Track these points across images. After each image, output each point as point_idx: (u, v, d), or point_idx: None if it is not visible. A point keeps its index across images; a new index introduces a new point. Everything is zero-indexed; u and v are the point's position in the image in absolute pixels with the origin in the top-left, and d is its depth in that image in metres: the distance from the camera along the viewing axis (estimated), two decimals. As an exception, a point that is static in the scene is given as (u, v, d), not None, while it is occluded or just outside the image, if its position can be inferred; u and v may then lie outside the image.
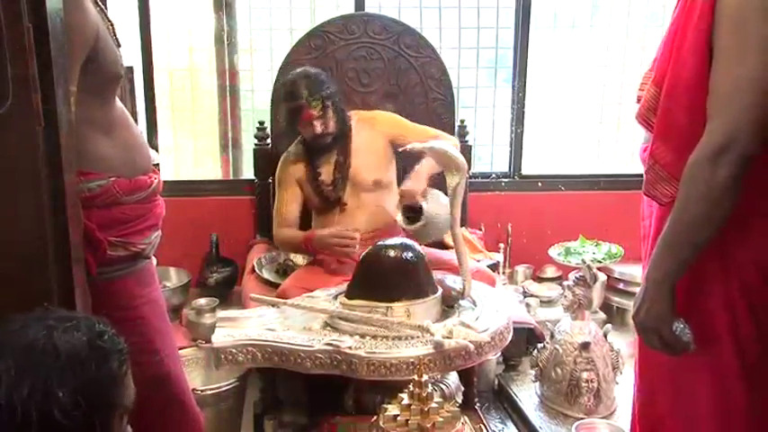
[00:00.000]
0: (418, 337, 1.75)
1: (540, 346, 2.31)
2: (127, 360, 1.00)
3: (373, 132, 2.50)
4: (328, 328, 1.85)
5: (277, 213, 2.51)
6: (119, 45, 1.40)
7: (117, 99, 1.43)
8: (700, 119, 1.14)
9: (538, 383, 2.32)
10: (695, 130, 1.14)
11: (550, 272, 3.23)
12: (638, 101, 1.34)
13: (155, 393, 1.48)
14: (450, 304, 1.97)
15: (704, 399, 1.27)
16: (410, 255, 1.89)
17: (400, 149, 2.42)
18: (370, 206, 2.46)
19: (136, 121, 2.76)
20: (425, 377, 1.47)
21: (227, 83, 3.23)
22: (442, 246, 2.76)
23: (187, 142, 3.36)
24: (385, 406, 1.54)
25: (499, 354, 2.19)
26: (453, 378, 2.08)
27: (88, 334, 0.95)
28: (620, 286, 3.18)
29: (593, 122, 3.50)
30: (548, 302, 3.00)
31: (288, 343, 1.75)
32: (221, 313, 1.96)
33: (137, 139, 1.47)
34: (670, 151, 1.22)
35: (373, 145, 2.48)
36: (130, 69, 2.77)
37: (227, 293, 2.92)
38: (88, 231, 1.27)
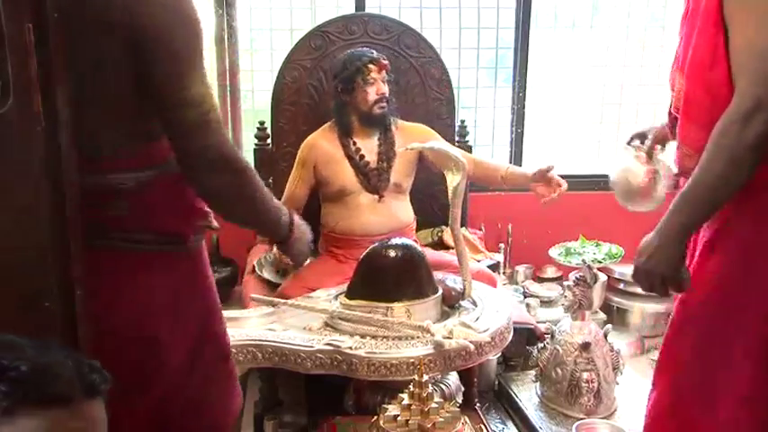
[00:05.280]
0: (418, 337, 1.75)
1: (540, 346, 2.31)
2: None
3: (408, 141, 2.46)
4: (328, 328, 1.85)
5: (286, 189, 2.53)
6: None
7: None
8: (719, 95, 1.22)
9: (538, 383, 2.32)
10: (715, 106, 1.21)
11: (551, 272, 3.23)
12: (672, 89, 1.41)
13: (215, 350, 1.48)
14: (450, 304, 1.98)
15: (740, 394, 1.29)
16: (410, 255, 1.89)
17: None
18: (386, 208, 2.47)
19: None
20: (426, 377, 1.48)
21: (228, 83, 3.23)
22: (443, 246, 2.76)
23: (187, 142, 3.36)
24: (385, 406, 1.54)
25: (499, 354, 2.19)
26: (453, 378, 2.08)
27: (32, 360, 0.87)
28: (621, 287, 3.19)
29: (593, 123, 3.50)
30: (548, 302, 3.01)
31: (288, 343, 1.75)
32: (221, 313, 1.96)
33: None
34: (693, 129, 1.31)
35: (401, 154, 2.47)
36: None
37: (228, 293, 2.91)
38: (190, 201, 1.32)
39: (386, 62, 2.42)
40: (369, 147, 2.47)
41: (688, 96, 1.32)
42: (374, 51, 2.45)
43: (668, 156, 1.82)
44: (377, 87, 2.39)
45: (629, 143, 1.88)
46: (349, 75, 2.39)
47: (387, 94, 2.41)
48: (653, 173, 1.78)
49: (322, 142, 2.50)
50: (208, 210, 1.42)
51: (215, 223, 1.49)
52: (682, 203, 1.25)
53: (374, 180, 2.45)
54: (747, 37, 1.17)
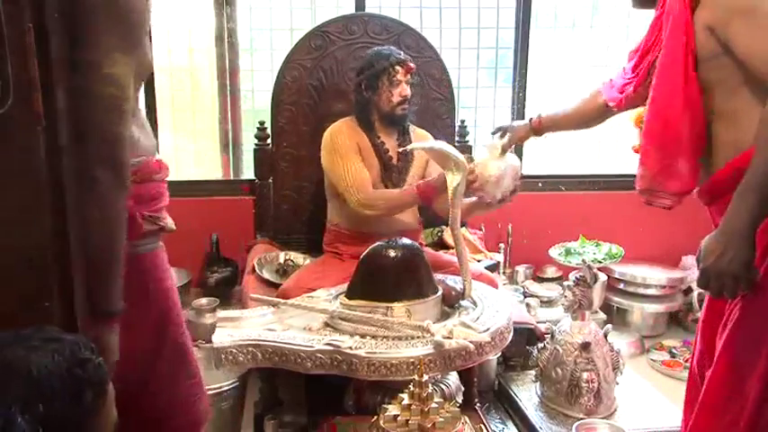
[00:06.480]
0: (418, 337, 1.75)
1: (540, 346, 2.31)
2: (105, 391, 0.96)
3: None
4: (328, 328, 1.85)
5: (355, 179, 2.31)
6: None
7: None
8: (692, 111, 1.37)
9: (538, 383, 2.32)
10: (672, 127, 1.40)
11: (551, 272, 3.23)
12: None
13: (181, 365, 1.50)
14: (450, 304, 1.98)
15: None
16: (410, 255, 1.89)
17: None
18: None
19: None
20: (426, 377, 1.48)
21: (228, 82, 3.23)
22: (443, 246, 2.76)
23: (187, 142, 3.36)
24: (385, 406, 1.54)
25: (499, 354, 2.19)
26: (453, 378, 2.08)
27: (69, 361, 0.90)
28: (621, 286, 3.19)
29: (593, 122, 3.50)
30: (548, 302, 3.01)
31: (288, 343, 1.75)
32: (222, 313, 1.96)
33: (147, 123, 1.52)
34: (653, 152, 1.48)
35: (417, 155, 2.49)
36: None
37: (228, 293, 2.91)
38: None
39: (413, 65, 2.40)
40: (390, 143, 2.46)
41: (651, 123, 1.45)
42: (402, 52, 2.43)
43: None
44: (401, 89, 2.37)
45: (493, 133, 2.20)
46: (374, 73, 2.37)
47: (409, 96, 2.40)
48: (503, 168, 2.10)
49: (350, 131, 2.44)
50: (156, 215, 1.43)
51: (170, 225, 1.50)
52: (746, 194, 1.23)
53: (395, 176, 2.45)
54: (761, 40, 1.24)
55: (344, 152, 2.37)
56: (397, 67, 2.36)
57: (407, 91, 2.38)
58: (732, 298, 1.30)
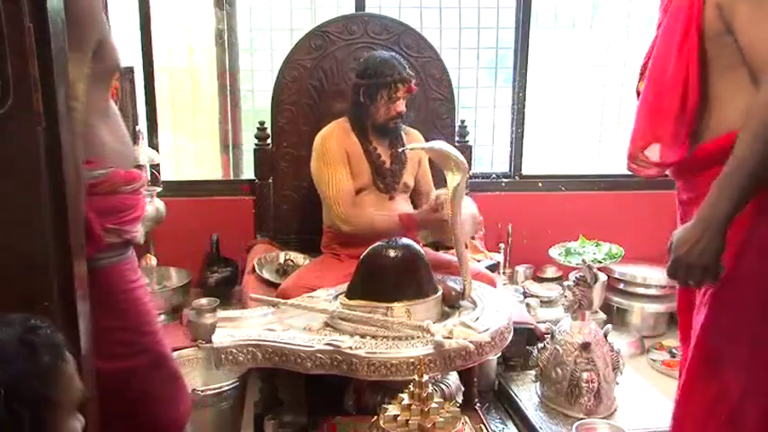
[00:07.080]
0: (418, 337, 1.75)
1: (540, 346, 2.31)
2: (62, 355, 0.99)
3: (410, 143, 2.53)
4: (328, 328, 1.85)
5: (338, 192, 2.37)
6: None
7: None
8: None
9: (538, 383, 2.32)
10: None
11: (551, 272, 3.23)
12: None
13: (157, 371, 1.51)
14: (450, 305, 1.98)
15: None
16: (410, 255, 1.89)
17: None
18: (394, 208, 2.46)
19: (136, 121, 2.77)
20: (426, 377, 1.48)
21: (228, 82, 3.23)
22: (443, 246, 2.76)
23: (187, 142, 3.36)
24: (385, 406, 1.54)
25: (499, 354, 2.19)
26: (453, 378, 2.08)
27: (19, 329, 0.96)
28: (621, 286, 3.19)
29: (593, 122, 3.50)
30: (548, 302, 3.01)
31: (288, 343, 1.75)
32: (222, 313, 1.96)
33: (125, 131, 1.51)
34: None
35: (410, 155, 2.52)
36: (130, 69, 2.77)
37: (228, 293, 2.91)
38: (85, 219, 1.29)
39: (415, 87, 2.42)
40: (382, 148, 2.47)
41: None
42: (406, 67, 2.42)
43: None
44: (397, 105, 2.38)
45: None
46: (375, 84, 2.37)
47: (404, 112, 2.42)
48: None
49: (342, 136, 2.46)
50: (120, 228, 1.42)
51: (138, 238, 1.50)
52: (727, 183, 1.22)
53: (389, 180, 2.45)
54: (761, 30, 1.22)
55: (331, 161, 2.39)
56: (399, 85, 2.37)
57: (403, 107, 2.40)
58: (697, 288, 1.32)
